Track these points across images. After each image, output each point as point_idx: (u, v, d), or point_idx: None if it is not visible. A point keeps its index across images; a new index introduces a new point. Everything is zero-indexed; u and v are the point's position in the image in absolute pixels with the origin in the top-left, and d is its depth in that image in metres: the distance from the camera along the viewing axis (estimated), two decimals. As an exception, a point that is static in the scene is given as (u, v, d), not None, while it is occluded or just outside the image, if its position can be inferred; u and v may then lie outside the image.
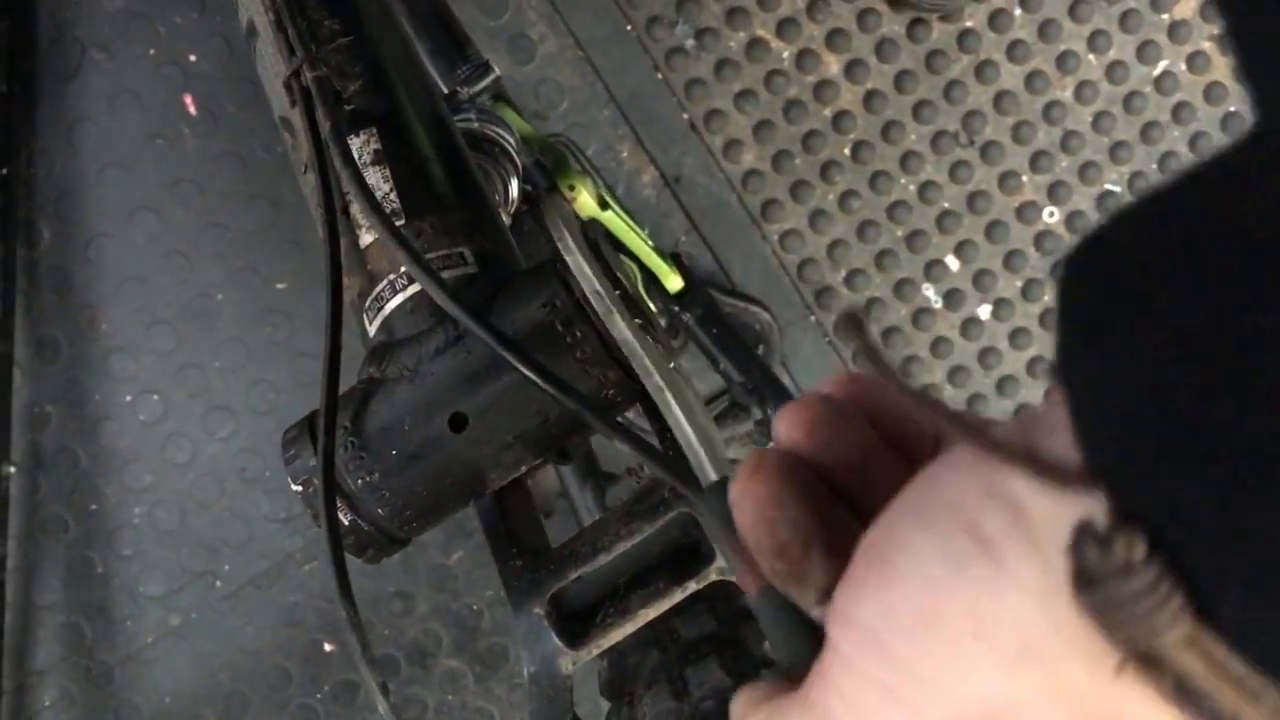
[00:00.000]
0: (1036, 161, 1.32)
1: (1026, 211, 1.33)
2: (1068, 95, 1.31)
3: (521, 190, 0.80)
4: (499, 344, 0.48)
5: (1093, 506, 0.24)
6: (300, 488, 0.52)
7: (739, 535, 0.32)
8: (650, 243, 1.14)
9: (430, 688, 1.34)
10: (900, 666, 0.27)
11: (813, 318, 1.33)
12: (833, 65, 1.30)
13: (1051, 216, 1.33)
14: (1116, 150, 1.32)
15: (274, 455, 1.29)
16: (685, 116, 1.30)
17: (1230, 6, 0.22)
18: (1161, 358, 0.22)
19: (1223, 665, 0.23)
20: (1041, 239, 1.33)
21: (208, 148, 1.28)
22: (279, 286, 1.30)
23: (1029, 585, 0.25)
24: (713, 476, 0.46)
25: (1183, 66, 1.32)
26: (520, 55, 1.28)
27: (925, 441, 0.34)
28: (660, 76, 1.29)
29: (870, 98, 1.30)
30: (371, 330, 0.56)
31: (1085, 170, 1.32)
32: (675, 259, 1.20)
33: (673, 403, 0.48)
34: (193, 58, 1.27)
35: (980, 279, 1.34)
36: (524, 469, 0.54)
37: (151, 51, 1.27)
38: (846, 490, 0.32)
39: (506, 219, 0.78)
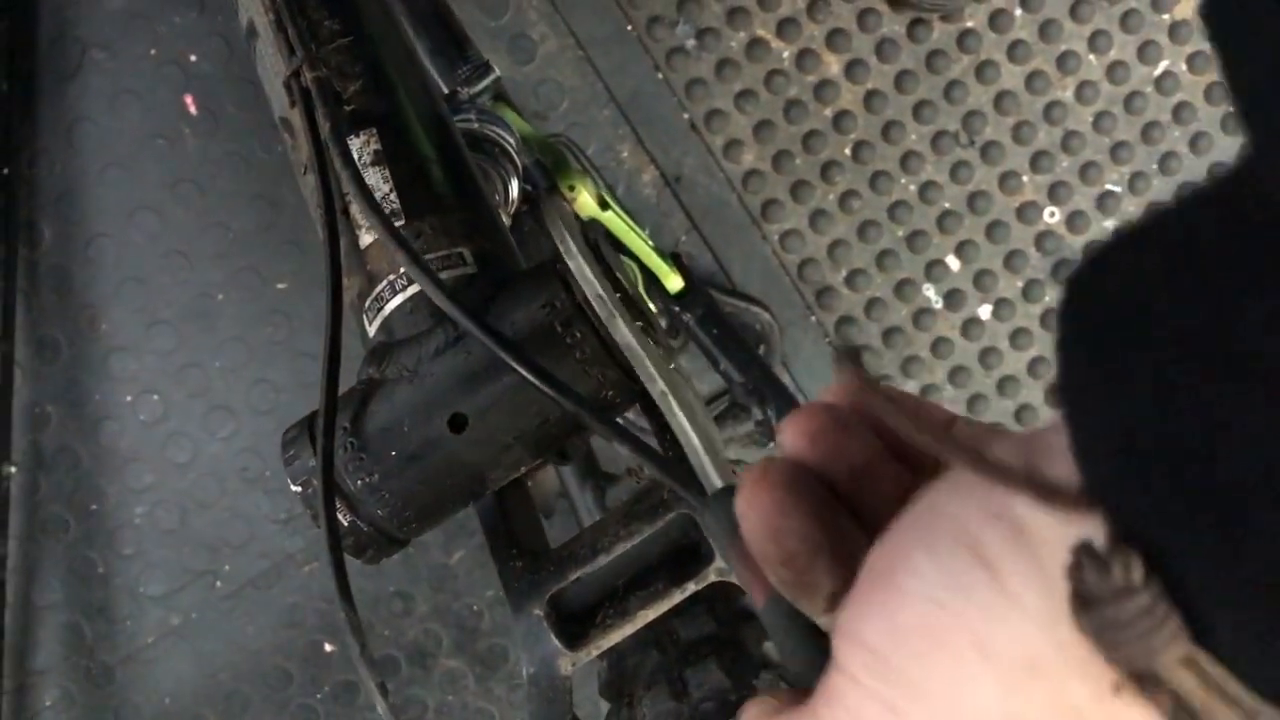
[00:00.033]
0: (1037, 162, 1.32)
1: (1027, 212, 1.33)
2: (1068, 95, 1.31)
3: (521, 190, 0.80)
4: (497, 345, 0.48)
5: (1092, 528, 0.24)
6: (300, 488, 0.52)
7: (745, 544, 0.32)
8: (650, 243, 1.14)
9: (430, 688, 1.34)
10: (905, 685, 0.27)
11: (813, 318, 1.33)
12: (833, 65, 1.30)
13: (1052, 217, 1.33)
14: (1117, 150, 1.32)
15: (275, 455, 1.29)
16: (686, 116, 1.30)
17: (1225, 45, 0.22)
18: (1160, 382, 0.22)
19: (1219, 685, 0.23)
20: (1042, 239, 1.33)
21: (208, 148, 1.28)
22: (279, 286, 1.30)
23: (1031, 606, 0.25)
24: (718, 483, 0.46)
25: (1183, 67, 1.32)
26: (520, 55, 1.28)
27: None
28: (661, 76, 1.29)
29: (871, 98, 1.30)
30: (371, 331, 0.56)
31: (1086, 170, 1.32)
32: (675, 259, 1.20)
33: (677, 409, 0.48)
34: (193, 58, 1.27)
35: (981, 279, 1.34)
36: (523, 470, 0.54)
37: (152, 51, 1.27)
38: (851, 498, 0.32)
39: (506, 219, 0.78)
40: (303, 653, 1.33)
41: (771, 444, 1.19)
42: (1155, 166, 1.33)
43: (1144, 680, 0.24)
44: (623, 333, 0.48)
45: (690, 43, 1.28)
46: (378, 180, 0.57)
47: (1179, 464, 0.22)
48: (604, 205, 1.00)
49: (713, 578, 0.49)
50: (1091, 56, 1.31)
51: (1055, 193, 1.33)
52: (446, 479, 0.51)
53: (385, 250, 0.55)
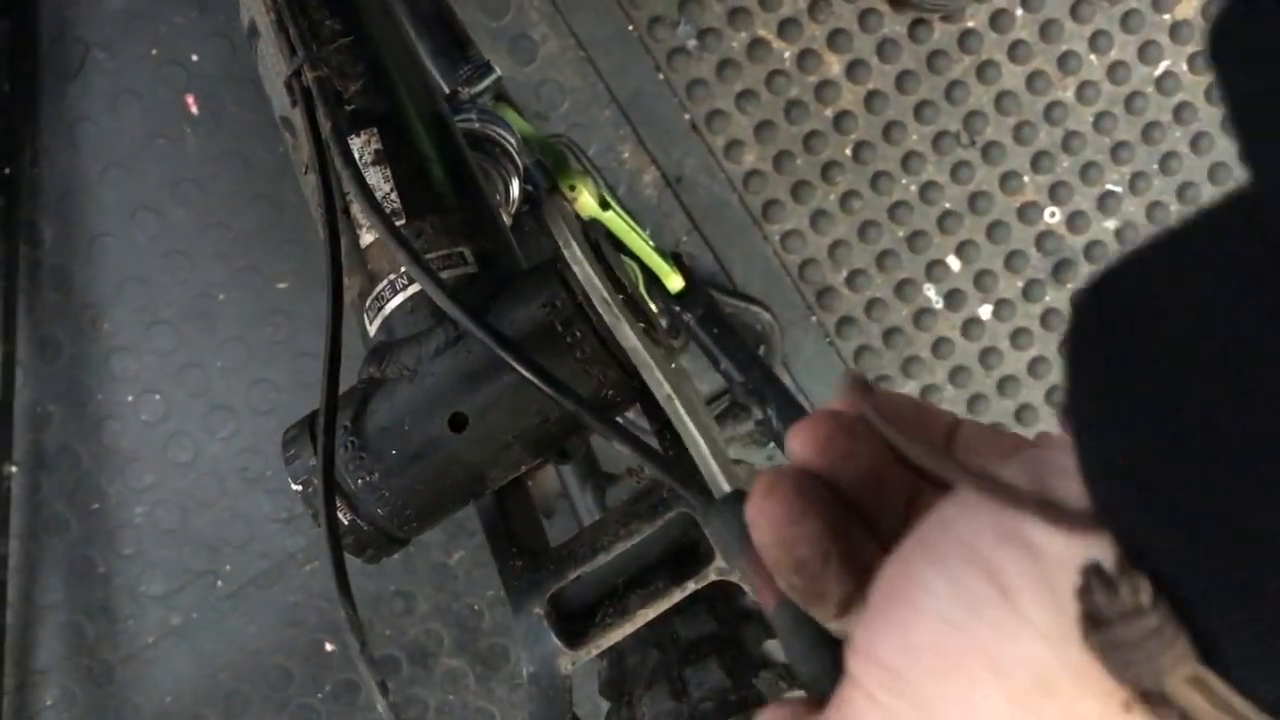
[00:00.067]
0: (1038, 162, 1.32)
1: (1028, 212, 1.33)
2: (1069, 95, 1.31)
3: (522, 190, 0.80)
4: (497, 344, 0.48)
5: (1101, 549, 0.25)
6: (300, 487, 0.52)
7: (755, 550, 0.32)
8: (651, 243, 1.14)
9: (431, 687, 1.34)
10: (919, 702, 0.28)
11: (814, 318, 1.33)
12: (834, 65, 1.30)
13: (1053, 217, 1.33)
14: (1118, 150, 1.32)
15: (275, 455, 1.29)
16: (687, 117, 1.30)
17: (1231, 86, 0.23)
18: (1168, 407, 0.23)
19: (1226, 703, 0.24)
20: (1043, 239, 1.33)
21: (209, 148, 1.28)
22: (280, 286, 1.30)
23: (1042, 625, 0.26)
24: (725, 487, 0.46)
25: (1184, 67, 1.32)
26: (522, 56, 1.28)
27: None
28: (662, 77, 1.29)
29: (871, 98, 1.30)
30: (372, 330, 0.56)
31: (1086, 170, 1.32)
32: (676, 259, 1.20)
33: (683, 412, 0.48)
34: (194, 57, 1.28)
35: (981, 279, 1.34)
36: (524, 469, 0.54)
37: (153, 51, 1.27)
38: (859, 504, 0.33)
39: (507, 219, 0.78)
40: (303, 652, 1.33)
41: (772, 443, 1.19)
42: (1156, 166, 1.33)
43: (1153, 699, 0.24)
44: (628, 336, 0.49)
45: (691, 43, 1.28)
46: (378, 180, 0.57)
47: (1186, 488, 0.23)
48: (605, 205, 1.01)
49: (713, 577, 0.49)
50: (1092, 57, 1.31)
51: (1056, 193, 1.33)
52: (446, 478, 0.51)
53: (386, 249, 0.55)
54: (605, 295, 0.48)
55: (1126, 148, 1.32)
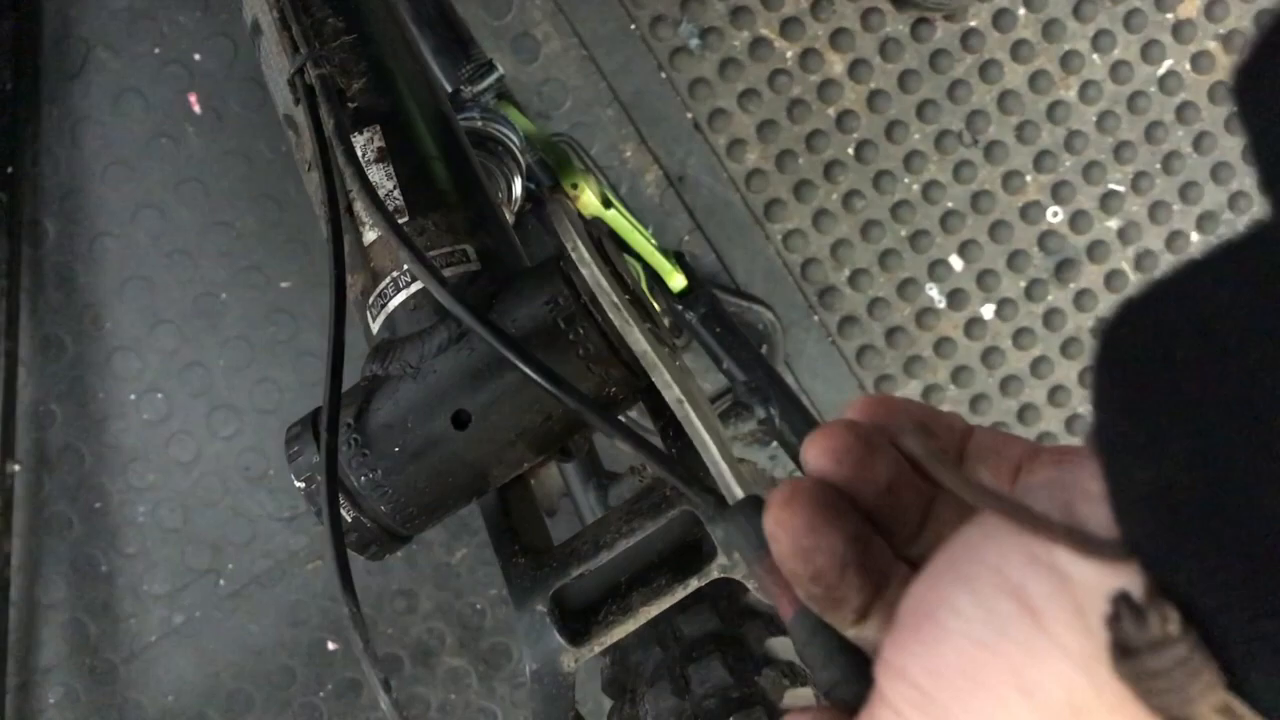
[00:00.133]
0: (1040, 161, 1.32)
1: (1030, 211, 1.33)
2: (1071, 95, 1.31)
3: (525, 189, 0.81)
4: (499, 342, 0.48)
5: (1130, 578, 0.25)
6: (303, 484, 0.52)
7: (772, 558, 0.33)
8: (654, 242, 1.14)
9: (433, 686, 1.34)
10: None
11: (816, 317, 1.33)
12: (836, 65, 1.30)
13: (1055, 216, 1.33)
14: (1120, 150, 1.32)
15: (278, 454, 1.30)
16: (689, 116, 1.30)
17: (1254, 123, 0.23)
18: (1195, 437, 0.23)
19: None
20: (1045, 239, 1.33)
21: (212, 146, 1.28)
22: (283, 285, 1.30)
23: (1072, 649, 0.26)
24: (738, 493, 0.46)
25: (1187, 66, 1.31)
26: (524, 54, 1.28)
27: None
28: (664, 76, 1.29)
29: (874, 97, 1.30)
30: (375, 327, 0.56)
31: (1089, 170, 1.32)
32: (679, 258, 1.20)
33: (694, 416, 0.48)
34: (197, 56, 1.28)
35: (984, 279, 1.34)
36: (526, 467, 0.54)
37: (156, 50, 1.28)
38: (875, 512, 0.33)
39: (510, 217, 0.79)
40: (306, 651, 1.33)
41: (774, 442, 1.19)
42: (1158, 166, 1.33)
43: None
44: (638, 340, 0.48)
45: (694, 42, 1.28)
46: (381, 177, 0.57)
47: (1213, 518, 0.23)
48: (607, 204, 1.00)
49: (715, 574, 0.49)
50: (1095, 56, 1.31)
51: (1058, 192, 1.33)
52: (449, 475, 0.51)
53: (389, 247, 0.55)
54: (612, 295, 0.48)
55: (1129, 147, 1.32)
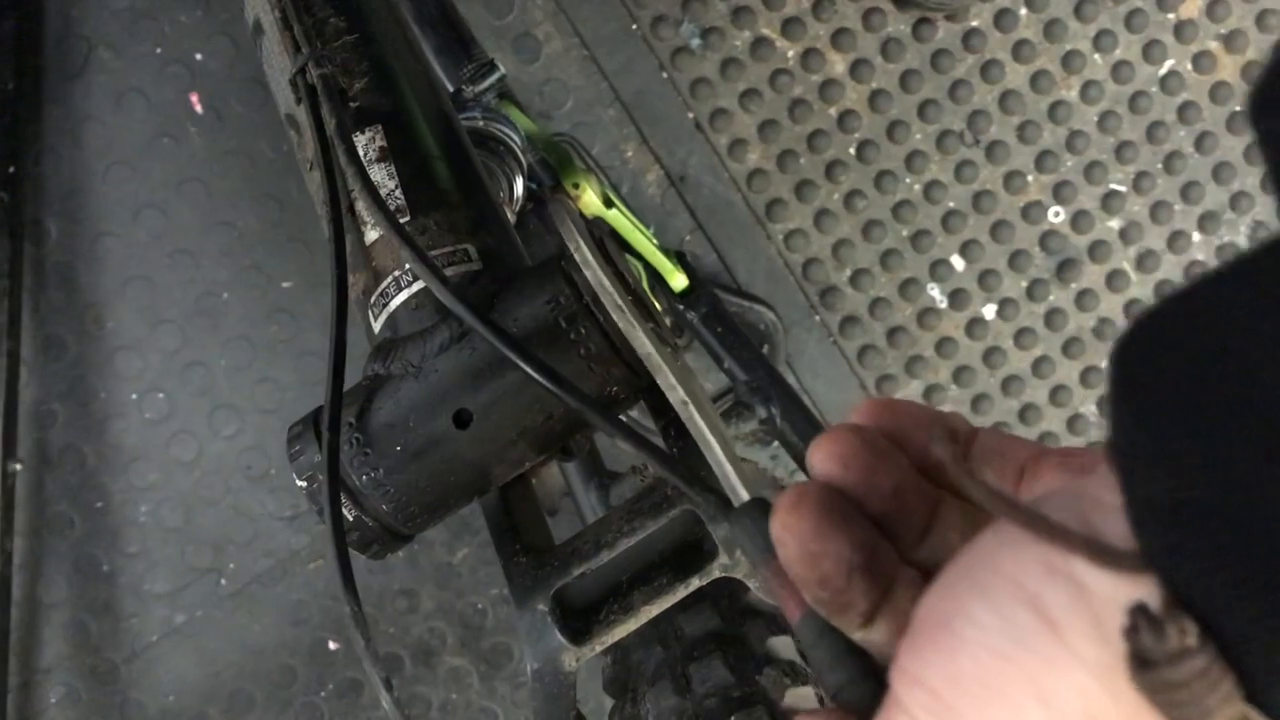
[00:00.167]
0: (1042, 161, 1.32)
1: (1032, 211, 1.33)
2: (1073, 95, 1.31)
3: (526, 189, 0.81)
4: (500, 341, 0.48)
5: (1147, 590, 0.25)
6: (304, 483, 0.52)
7: (779, 561, 0.33)
8: (655, 241, 1.14)
9: (434, 686, 1.34)
10: None
11: (817, 317, 1.33)
12: (838, 64, 1.30)
13: (1057, 216, 1.33)
14: (1122, 150, 1.32)
15: (279, 453, 1.30)
16: (690, 116, 1.30)
17: (1272, 150, 0.23)
18: (1211, 449, 0.24)
19: None
20: (1047, 239, 1.33)
21: (214, 146, 1.28)
22: (285, 285, 1.30)
23: (1090, 659, 0.26)
24: (744, 495, 0.46)
25: (1188, 66, 1.31)
26: (526, 54, 1.28)
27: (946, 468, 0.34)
28: (665, 76, 1.29)
29: (875, 97, 1.30)
30: (376, 327, 0.56)
31: (1090, 170, 1.32)
32: (680, 258, 1.20)
33: (699, 418, 0.48)
34: (199, 56, 1.28)
35: (985, 279, 1.34)
36: (528, 466, 0.54)
37: (158, 50, 1.28)
38: (881, 516, 0.33)
39: (511, 217, 0.79)
40: (307, 650, 1.33)
41: (775, 442, 1.19)
42: (1160, 166, 1.33)
43: None
44: (642, 342, 0.48)
45: (695, 42, 1.29)
46: (383, 176, 0.57)
47: (1231, 532, 0.23)
48: (608, 204, 1.01)
49: (716, 574, 0.49)
50: (1096, 56, 1.31)
51: (1060, 192, 1.33)
52: (450, 475, 0.52)
53: (390, 246, 0.55)
54: (615, 295, 0.48)
55: (1130, 147, 1.32)
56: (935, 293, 1.34)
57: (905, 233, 1.32)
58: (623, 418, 0.52)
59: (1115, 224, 1.34)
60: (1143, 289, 1.34)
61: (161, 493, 1.32)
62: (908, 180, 1.31)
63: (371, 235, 0.57)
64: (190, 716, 1.33)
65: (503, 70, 0.87)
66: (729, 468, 0.47)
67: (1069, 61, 1.31)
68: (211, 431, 1.31)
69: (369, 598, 1.32)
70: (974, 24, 1.30)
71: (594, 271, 0.49)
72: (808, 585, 0.32)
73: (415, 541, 0.55)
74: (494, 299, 0.53)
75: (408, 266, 0.54)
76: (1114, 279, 1.34)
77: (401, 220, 0.55)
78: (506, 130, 0.80)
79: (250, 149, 1.28)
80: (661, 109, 1.29)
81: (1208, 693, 0.24)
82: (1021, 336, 1.35)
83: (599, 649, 0.49)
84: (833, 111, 1.30)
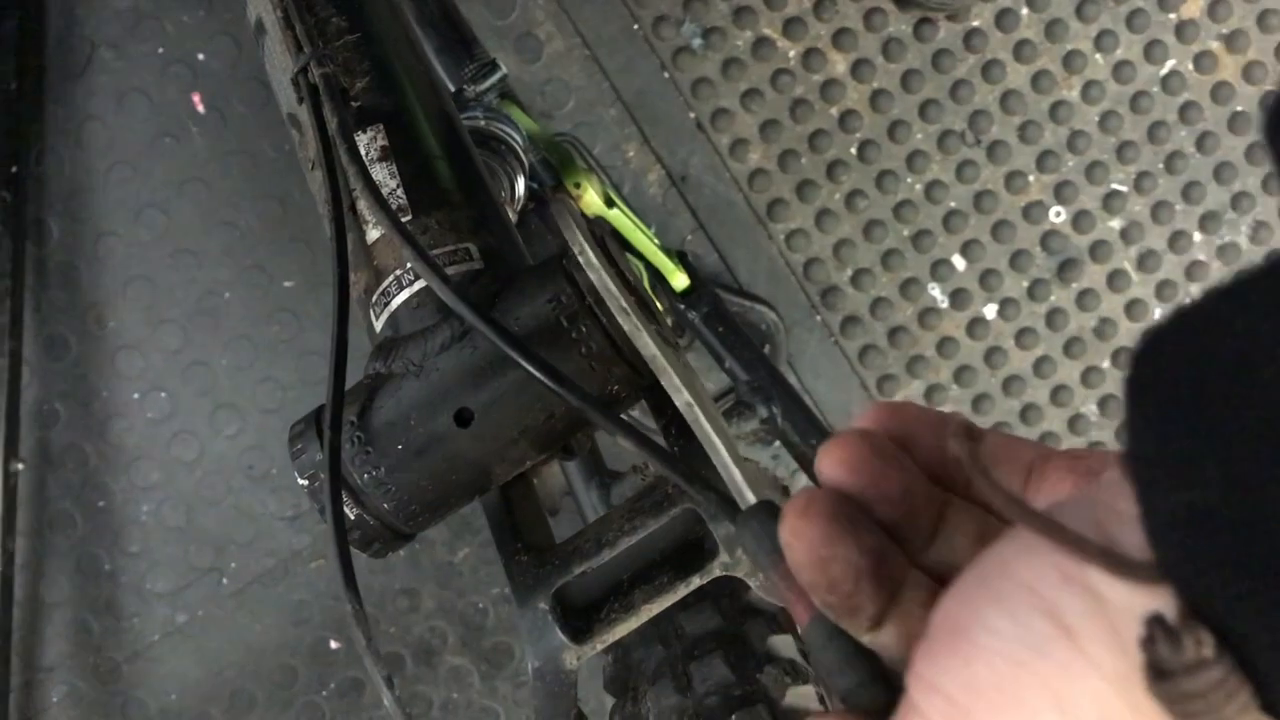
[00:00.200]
0: (1043, 161, 1.32)
1: (1033, 211, 1.33)
2: (1074, 95, 1.31)
3: (528, 188, 0.81)
4: (502, 340, 0.48)
5: (1164, 600, 0.25)
6: (306, 482, 0.52)
7: (787, 565, 0.33)
8: (656, 241, 1.14)
9: (436, 685, 1.35)
10: None
11: (818, 317, 1.33)
12: (839, 64, 1.30)
13: (1058, 216, 1.33)
14: (1123, 150, 1.32)
15: (281, 453, 1.30)
16: (692, 116, 1.30)
17: None
18: (1228, 460, 0.24)
19: None
20: (1048, 238, 1.33)
21: (216, 146, 1.28)
22: (287, 284, 1.30)
23: (1107, 667, 0.26)
24: (751, 498, 0.46)
25: (1190, 66, 1.31)
26: (527, 54, 1.28)
27: (960, 470, 0.35)
28: (667, 76, 1.29)
29: (877, 97, 1.30)
30: (378, 326, 0.56)
31: (1092, 170, 1.32)
32: (681, 258, 1.21)
33: (704, 421, 0.48)
34: (201, 56, 1.28)
35: (986, 279, 1.34)
36: (529, 464, 0.54)
37: (160, 50, 1.28)
38: (889, 520, 0.34)
39: (513, 216, 0.79)
40: (309, 650, 1.33)
41: (776, 441, 1.19)
42: (1161, 166, 1.33)
43: None
44: (645, 343, 0.49)
45: (696, 42, 1.29)
46: (385, 176, 0.57)
47: (1247, 544, 0.23)
48: (610, 203, 1.01)
49: (717, 572, 0.49)
50: (1098, 56, 1.31)
51: (1061, 192, 1.33)
52: (452, 473, 0.52)
53: (392, 245, 0.55)
54: (619, 297, 0.48)
55: (1132, 147, 1.32)
56: (936, 293, 1.34)
57: (906, 232, 1.32)
58: (624, 416, 0.52)
59: (1116, 224, 1.34)
60: (1144, 289, 1.34)
61: (163, 492, 1.32)
62: (909, 180, 1.31)
63: (373, 234, 0.57)
64: (192, 716, 1.33)
65: (504, 70, 0.88)
66: (734, 470, 0.47)
67: (1070, 61, 1.31)
68: (213, 431, 1.31)
69: (370, 597, 1.32)
70: (975, 24, 1.30)
71: (598, 274, 0.49)
72: (816, 590, 0.33)
73: (416, 540, 0.56)
74: (495, 298, 0.53)
75: (409, 265, 0.55)
76: (1115, 279, 1.34)
77: (403, 219, 0.56)
78: (508, 130, 0.80)
79: (252, 149, 1.28)
80: (663, 109, 1.29)
81: (1225, 703, 0.24)
82: (1022, 336, 1.35)
83: (600, 647, 0.50)
84: (834, 111, 1.30)
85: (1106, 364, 1.36)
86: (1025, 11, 1.30)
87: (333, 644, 1.34)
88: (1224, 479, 0.24)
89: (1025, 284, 1.34)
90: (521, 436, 0.52)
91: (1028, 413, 1.36)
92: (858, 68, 1.30)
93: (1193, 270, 1.35)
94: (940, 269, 1.33)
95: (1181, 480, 0.25)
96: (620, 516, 0.51)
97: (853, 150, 1.31)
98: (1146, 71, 1.31)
